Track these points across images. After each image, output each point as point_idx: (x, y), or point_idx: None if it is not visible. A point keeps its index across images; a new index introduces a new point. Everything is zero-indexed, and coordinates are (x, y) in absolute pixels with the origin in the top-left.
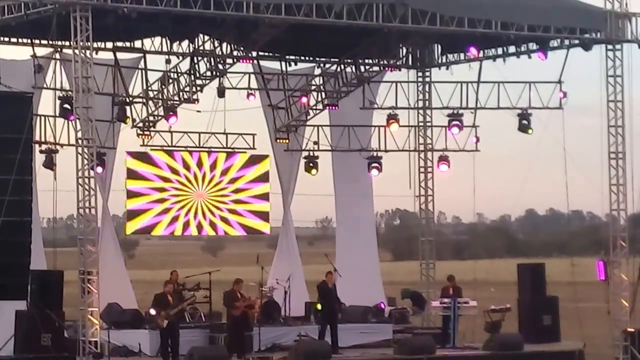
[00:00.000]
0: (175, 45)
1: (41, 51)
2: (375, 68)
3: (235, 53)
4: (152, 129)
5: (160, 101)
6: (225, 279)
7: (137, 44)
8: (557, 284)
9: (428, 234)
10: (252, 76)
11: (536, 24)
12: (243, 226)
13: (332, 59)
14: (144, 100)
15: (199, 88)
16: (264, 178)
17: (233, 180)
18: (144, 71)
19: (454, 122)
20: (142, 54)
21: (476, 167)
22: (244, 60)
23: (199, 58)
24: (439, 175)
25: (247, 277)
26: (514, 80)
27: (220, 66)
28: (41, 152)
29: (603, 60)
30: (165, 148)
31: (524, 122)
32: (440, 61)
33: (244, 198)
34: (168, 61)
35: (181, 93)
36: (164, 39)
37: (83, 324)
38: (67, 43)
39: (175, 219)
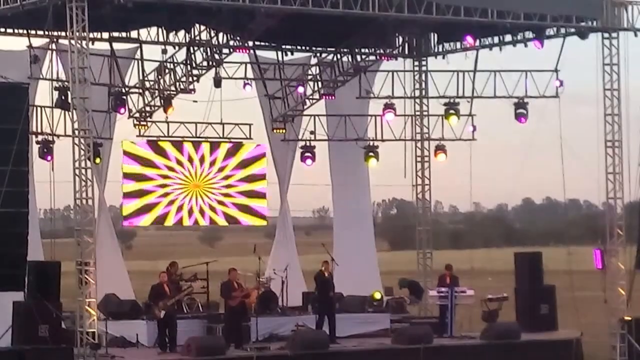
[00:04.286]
0: (171, 35)
1: (37, 42)
2: (372, 57)
3: (231, 43)
4: (148, 119)
5: (156, 91)
6: (222, 269)
7: (134, 34)
8: (554, 273)
9: (425, 223)
10: (249, 66)
11: (532, 12)
12: (239, 217)
13: (328, 49)
14: (141, 91)
15: (195, 78)
16: (260, 168)
17: (229, 169)
18: (140, 61)
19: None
20: (138, 44)
21: (473, 156)
22: (240, 50)
23: (195, 48)
24: (435, 164)
25: (244, 267)
26: (510, 69)
27: (217, 56)
28: (37, 142)
29: (599, 48)
30: (161, 138)
31: (521, 110)
32: (436, 50)
33: (241, 188)
34: (164, 51)
35: (177, 83)
36: (160, 29)
37: (80, 315)
38: (63, 33)
39: (167, 212)
